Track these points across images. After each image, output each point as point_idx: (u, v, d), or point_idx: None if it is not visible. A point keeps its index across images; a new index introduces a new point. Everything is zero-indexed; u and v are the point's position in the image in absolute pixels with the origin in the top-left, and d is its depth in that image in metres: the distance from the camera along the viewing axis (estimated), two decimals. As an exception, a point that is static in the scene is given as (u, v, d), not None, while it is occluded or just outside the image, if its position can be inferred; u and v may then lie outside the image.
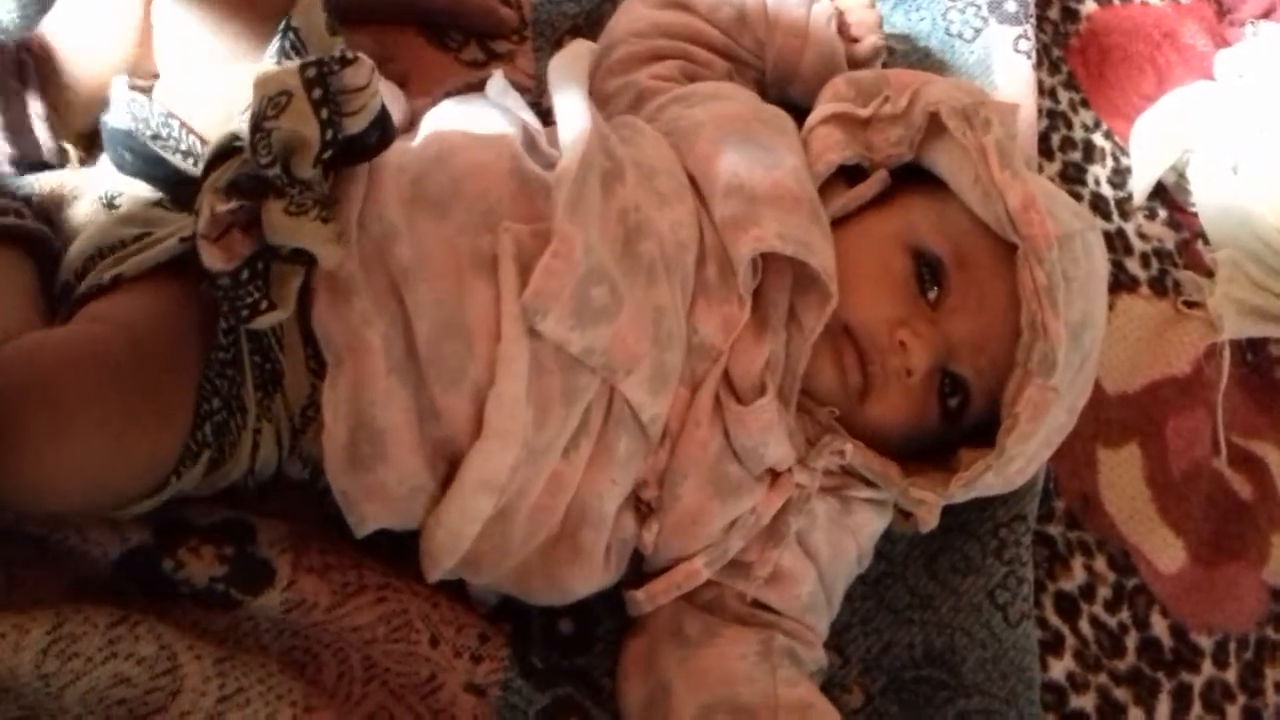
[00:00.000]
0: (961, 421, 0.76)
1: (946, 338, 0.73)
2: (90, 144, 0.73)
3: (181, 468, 0.61)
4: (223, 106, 0.63)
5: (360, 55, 0.60)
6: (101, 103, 0.68)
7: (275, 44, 0.63)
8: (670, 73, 0.84)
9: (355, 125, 0.61)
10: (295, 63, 0.59)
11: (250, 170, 0.59)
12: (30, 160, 0.71)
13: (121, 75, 0.68)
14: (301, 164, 0.60)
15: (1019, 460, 0.76)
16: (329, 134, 0.60)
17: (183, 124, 0.66)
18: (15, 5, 0.74)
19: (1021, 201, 0.72)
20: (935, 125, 0.75)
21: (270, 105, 0.58)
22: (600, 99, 0.82)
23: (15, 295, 0.64)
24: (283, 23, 0.63)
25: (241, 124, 0.59)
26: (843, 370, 0.73)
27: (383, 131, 0.63)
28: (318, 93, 0.59)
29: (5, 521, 0.62)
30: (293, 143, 0.59)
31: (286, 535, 0.67)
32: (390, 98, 0.71)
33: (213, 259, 0.58)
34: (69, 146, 0.73)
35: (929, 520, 0.76)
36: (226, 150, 0.60)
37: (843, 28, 0.88)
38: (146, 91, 0.67)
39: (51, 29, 0.72)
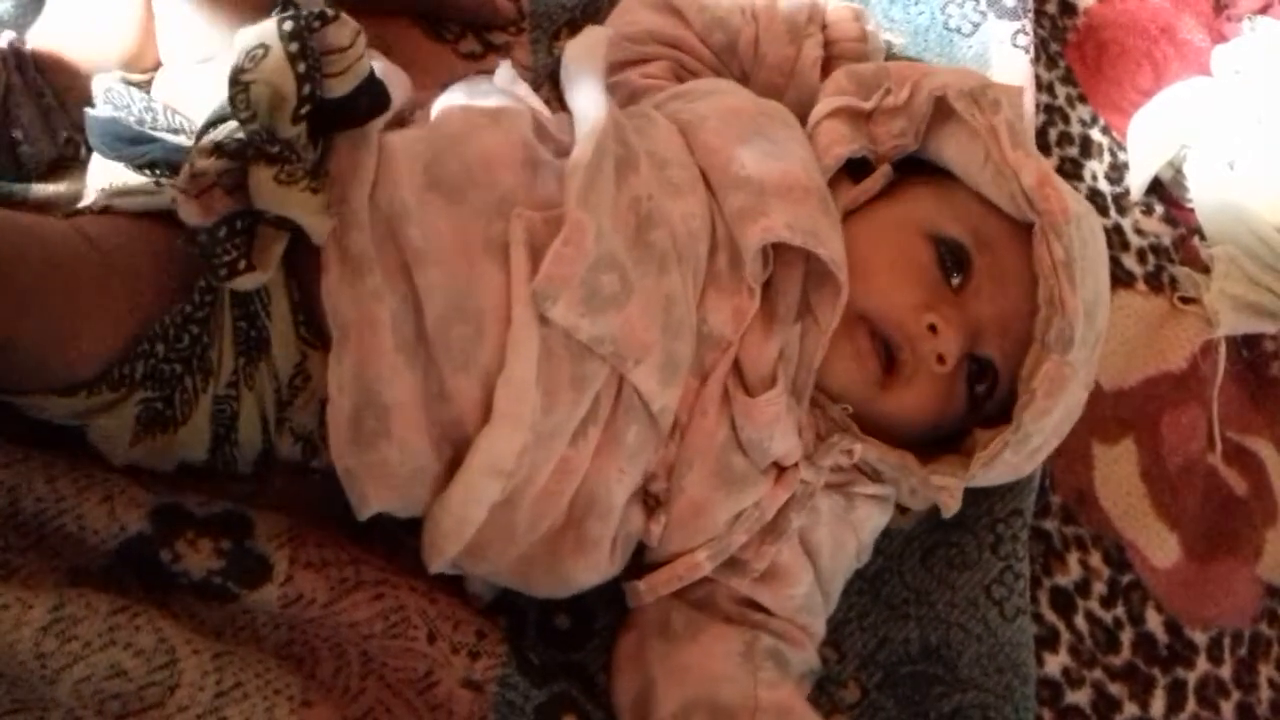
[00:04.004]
0: (986, 406, 0.76)
1: (973, 321, 0.73)
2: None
3: (98, 386, 0.61)
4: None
5: (344, 15, 0.60)
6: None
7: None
8: (661, 72, 0.84)
9: (340, 88, 0.61)
10: (274, 17, 0.59)
11: (238, 135, 0.59)
12: (45, 158, 0.71)
13: (105, 74, 0.68)
14: (282, 121, 0.59)
15: (1036, 438, 0.75)
16: (306, 88, 0.59)
17: (167, 106, 0.65)
18: (10, -9, 0.74)
19: (1037, 178, 0.72)
20: (941, 112, 0.76)
21: (248, 59, 0.58)
22: None
23: None
24: None
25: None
26: (859, 358, 0.73)
27: (373, 97, 0.63)
28: (295, 46, 0.59)
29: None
30: (272, 99, 0.59)
31: (285, 530, 0.67)
32: (392, 78, 0.70)
33: (189, 213, 0.58)
34: (77, 136, 0.72)
35: (952, 505, 0.76)
36: (219, 117, 0.60)
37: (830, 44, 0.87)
38: (145, 86, 0.66)
39: (50, 26, 0.71)
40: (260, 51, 0.58)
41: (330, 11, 0.60)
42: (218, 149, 0.59)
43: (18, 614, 0.57)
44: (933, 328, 0.72)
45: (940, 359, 0.72)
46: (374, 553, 0.70)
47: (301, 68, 0.59)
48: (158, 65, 0.70)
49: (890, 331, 0.72)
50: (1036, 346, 0.73)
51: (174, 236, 0.62)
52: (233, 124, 0.59)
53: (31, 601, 0.58)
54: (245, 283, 0.61)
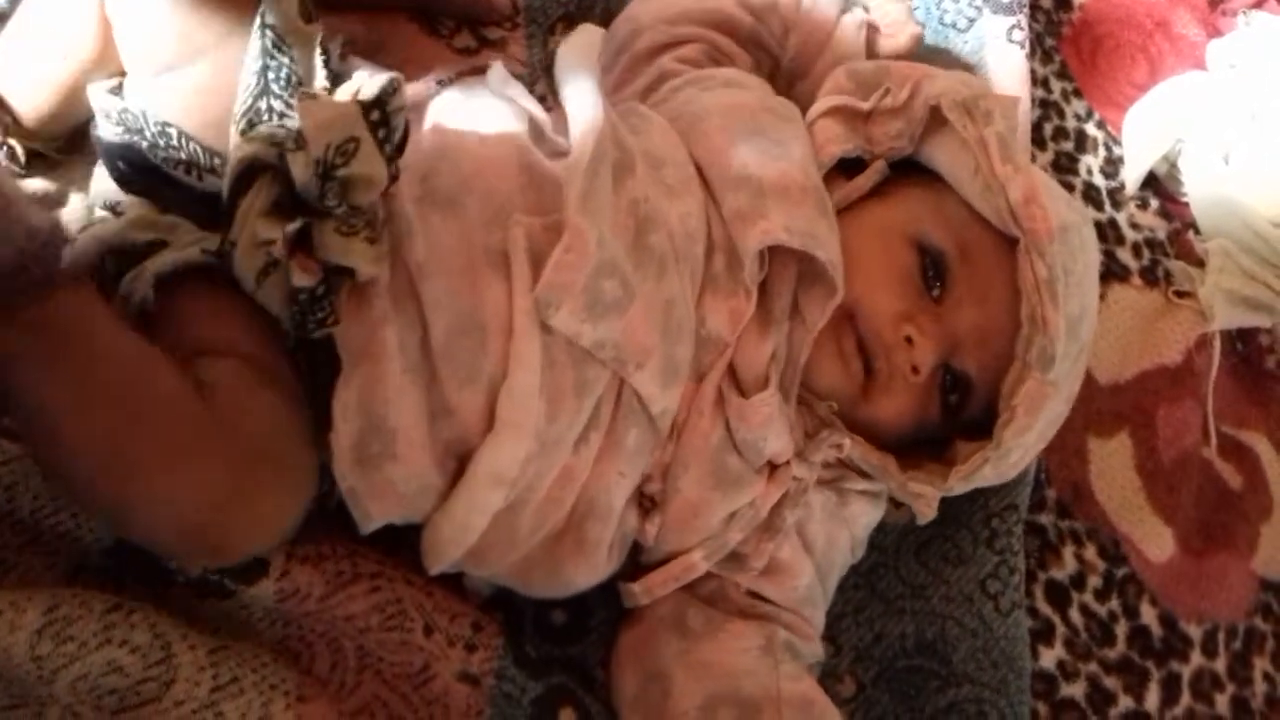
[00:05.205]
0: (960, 417, 0.76)
1: (951, 333, 0.73)
2: (69, 147, 0.72)
3: None
4: (211, 106, 0.63)
5: (396, 75, 0.61)
6: (71, 106, 0.68)
7: (256, 44, 0.62)
8: (694, 55, 0.83)
9: (397, 136, 0.62)
10: (353, 103, 0.59)
11: (283, 191, 0.60)
12: None
13: (97, 82, 0.67)
14: (364, 197, 0.61)
15: (1016, 452, 0.76)
16: (393, 167, 0.61)
17: (181, 132, 0.65)
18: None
19: (1024, 194, 0.72)
20: (935, 118, 0.75)
21: (338, 153, 0.58)
22: (622, 82, 0.83)
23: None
24: (257, 21, 0.62)
25: (250, 149, 0.60)
26: (843, 359, 0.73)
27: (405, 123, 0.64)
28: (382, 132, 0.60)
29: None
30: (365, 186, 0.60)
31: (281, 525, 0.67)
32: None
33: (301, 277, 0.59)
34: (15, 144, 0.71)
35: (927, 513, 0.76)
36: (248, 170, 0.60)
37: (874, 30, 0.88)
38: (118, 91, 0.66)
39: (6, 34, 0.69)
40: (351, 146, 0.59)
41: (395, 78, 0.61)
42: (276, 210, 0.59)
43: (12, 619, 0.57)
44: (909, 339, 0.72)
45: (914, 369, 0.72)
46: (371, 545, 0.70)
47: (388, 150, 0.60)
48: (119, 72, 0.68)
49: (868, 340, 0.73)
50: (1018, 364, 0.73)
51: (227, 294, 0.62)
52: (266, 179, 0.60)
53: (25, 605, 0.58)
54: (326, 331, 0.61)
